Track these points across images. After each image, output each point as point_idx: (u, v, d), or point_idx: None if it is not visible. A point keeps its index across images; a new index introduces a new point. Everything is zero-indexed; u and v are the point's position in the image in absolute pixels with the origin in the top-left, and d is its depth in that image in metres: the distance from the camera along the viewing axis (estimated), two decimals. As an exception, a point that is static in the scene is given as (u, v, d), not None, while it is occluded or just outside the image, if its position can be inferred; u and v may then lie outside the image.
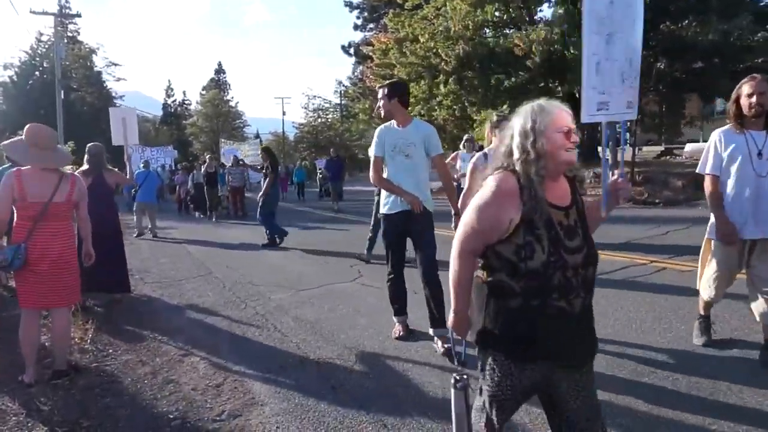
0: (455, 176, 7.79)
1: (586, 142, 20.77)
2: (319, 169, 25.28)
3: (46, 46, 42.91)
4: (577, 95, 19.99)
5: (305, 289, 6.00)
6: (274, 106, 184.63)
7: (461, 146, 9.38)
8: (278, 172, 10.31)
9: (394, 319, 4.32)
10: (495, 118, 4.00)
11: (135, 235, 11.44)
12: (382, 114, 4.15)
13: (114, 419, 3.09)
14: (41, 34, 43.66)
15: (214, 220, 14.90)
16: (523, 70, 17.02)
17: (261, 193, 9.67)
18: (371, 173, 4.14)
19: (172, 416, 3.09)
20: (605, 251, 7.14)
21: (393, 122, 4.08)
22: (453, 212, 4.02)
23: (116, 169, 6.63)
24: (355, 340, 4.25)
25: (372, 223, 7.42)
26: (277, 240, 9.51)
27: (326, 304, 5.36)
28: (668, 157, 20.38)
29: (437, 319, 3.89)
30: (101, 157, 6.08)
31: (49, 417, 3.12)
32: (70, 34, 49.39)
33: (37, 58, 44.40)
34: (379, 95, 4.14)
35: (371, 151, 4.14)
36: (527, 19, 19.08)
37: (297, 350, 4.10)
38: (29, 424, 3.05)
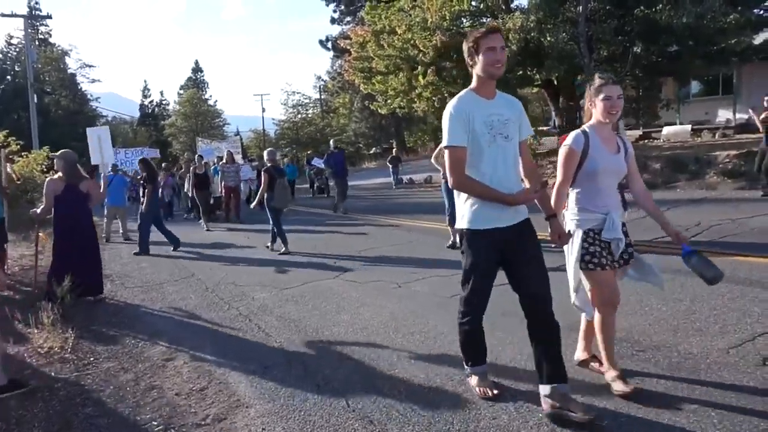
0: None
1: (566, 128, 20.97)
2: (311, 166, 24.16)
3: (17, 50, 41.98)
4: (555, 82, 20.25)
5: (288, 288, 5.96)
6: (253, 103, 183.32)
7: None
8: (156, 183, 10.12)
9: (469, 370, 3.06)
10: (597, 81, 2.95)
11: (104, 240, 11.26)
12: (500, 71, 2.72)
13: (96, 429, 3.04)
14: (11, 37, 42.86)
15: (205, 229, 12.52)
16: (501, 58, 17.07)
17: (143, 207, 9.53)
18: (449, 174, 2.80)
19: (155, 423, 3.05)
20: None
21: (471, 92, 2.80)
22: (546, 215, 2.82)
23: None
24: (340, 336, 4.24)
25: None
26: (173, 246, 9.47)
27: (310, 301, 5.33)
28: (646, 141, 20.57)
29: (555, 374, 2.70)
30: (74, 164, 6.01)
31: (29, 429, 3.06)
32: (41, 36, 48.41)
33: (8, 62, 43.41)
34: (497, 45, 2.68)
35: (446, 138, 2.77)
36: (503, 7, 19.10)
37: (281, 350, 4.07)
38: (8, 438, 2.99)
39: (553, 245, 2.87)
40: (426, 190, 19.67)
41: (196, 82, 61.78)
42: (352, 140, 48.07)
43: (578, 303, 3.06)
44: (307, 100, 52.43)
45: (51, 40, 49.85)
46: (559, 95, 20.84)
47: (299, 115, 50.46)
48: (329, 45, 47.84)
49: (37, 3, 47.98)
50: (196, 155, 15.70)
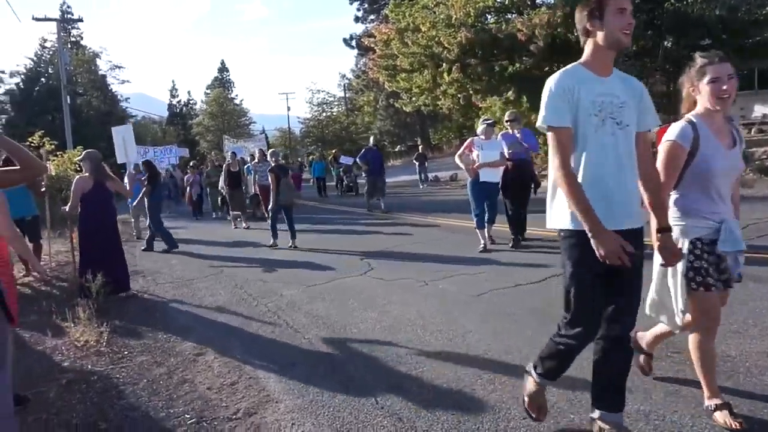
0: (469, 166, 7.09)
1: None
2: (338, 164, 23.04)
3: (51, 52, 43.14)
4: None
5: (315, 285, 6.00)
6: (278, 102, 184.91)
7: (478, 132, 7.49)
8: (157, 183, 10.18)
9: (536, 375, 2.56)
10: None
11: (135, 237, 11.53)
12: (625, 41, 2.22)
13: (131, 421, 3.12)
14: (45, 40, 43.88)
15: (244, 226, 12.33)
16: (527, 55, 16.84)
17: (146, 207, 9.79)
18: (556, 166, 2.22)
19: (188, 416, 3.11)
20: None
21: (579, 66, 2.30)
22: (658, 227, 2.34)
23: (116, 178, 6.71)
24: (367, 333, 4.25)
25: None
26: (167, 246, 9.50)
27: (337, 298, 5.36)
28: (678, 137, 20.11)
29: (615, 403, 2.39)
30: (99, 163, 6.16)
31: (68, 420, 3.15)
32: (73, 39, 49.59)
33: (42, 65, 44.62)
34: (627, 6, 2.20)
35: (544, 117, 2.24)
36: (528, 3, 18.86)
37: (310, 346, 4.11)
38: (50, 427, 3.08)
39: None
40: (452, 188, 19.57)
41: (222, 82, 62.64)
42: (376, 138, 48.11)
43: (681, 324, 2.64)
44: (332, 99, 52.69)
45: (82, 42, 51.09)
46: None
47: (324, 114, 50.72)
48: (353, 43, 47.96)
49: (68, 7, 49.22)
50: (230, 152, 14.65)
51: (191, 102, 65.39)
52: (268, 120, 69.42)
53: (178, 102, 64.80)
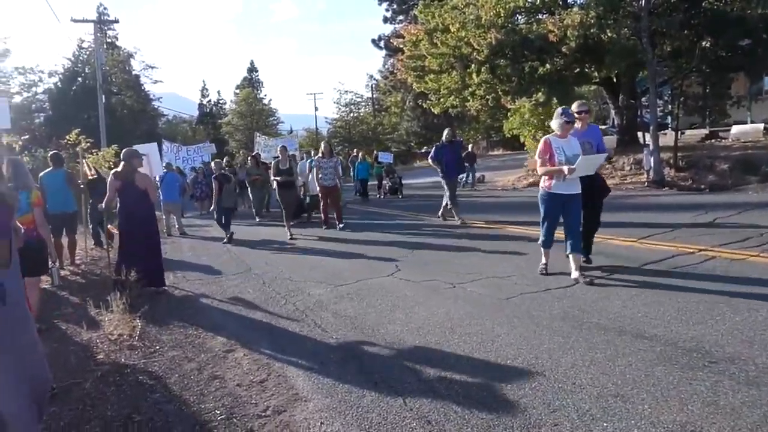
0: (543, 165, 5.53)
1: (626, 128, 20.20)
2: (379, 163, 21.80)
3: (87, 53, 44.36)
4: (614, 79, 19.56)
5: (343, 285, 6.02)
6: (306, 102, 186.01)
7: (554, 126, 5.58)
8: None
9: None
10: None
11: (166, 234, 11.76)
12: None
13: (163, 414, 3.18)
14: (82, 41, 45.12)
15: (289, 236, 10.13)
16: (558, 56, 16.60)
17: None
18: None
19: (218, 412, 3.15)
20: (651, 240, 6.93)
21: None
22: None
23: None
24: (395, 335, 4.24)
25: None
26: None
27: (365, 299, 5.37)
28: (713, 140, 19.53)
29: None
30: (131, 160, 6.30)
31: (103, 412, 3.23)
32: (108, 40, 50.92)
33: (79, 65, 45.91)
34: None
35: None
36: (560, 3, 18.59)
37: (338, 346, 4.12)
38: (85, 418, 3.16)
39: None
40: (482, 191, 19.42)
41: (251, 82, 63.55)
42: (403, 139, 48.14)
43: None
44: (360, 99, 52.92)
45: (117, 43, 52.44)
46: (619, 93, 20.10)
47: (351, 114, 50.95)
48: (381, 44, 48.09)
49: (105, 9, 50.59)
50: (279, 146, 12.28)
51: (221, 102, 66.60)
52: (295, 120, 69.97)
53: (209, 101, 66.03)
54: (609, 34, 15.13)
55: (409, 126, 47.09)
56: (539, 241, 5.86)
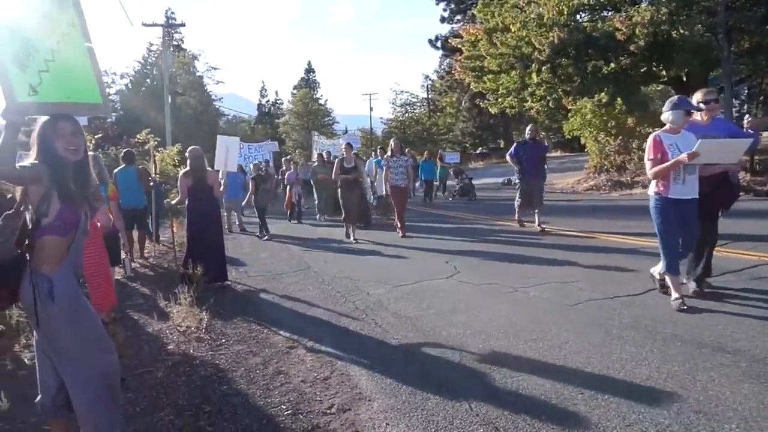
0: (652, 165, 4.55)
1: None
2: (446, 163, 20.96)
3: (156, 55, 46.49)
4: (684, 78, 18.63)
5: (401, 285, 6.00)
6: (361, 102, 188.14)
7: (665, 119, 4.59)
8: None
9: None
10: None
11: (227, 231, 12.09)
12: None
13: (232, 406, 3.25)
14: (151, 45, 47.36)
15: (353, 239, 9.77)
16: (624, 54, 15.99)
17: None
18: None
19: (284, 407, 3.19)
20: (730, 248, 6.53)
21: None
22: None
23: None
24: (457, 338, 4.17)
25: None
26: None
27: (424, 300, 5.32)
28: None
29: None
30: (201, 160, 6.51)
31: (175, 400, 3.34)
32: (175, 43, 53.14)
33: (148, 67, 48.20)
34: None
35: None
36: (626, 0, 17.89)
37: (399, 346, 4.10)
38: (159, 405, 3.28)
39: None
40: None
41: (308, 82, 64.74)
42: (458, 139, 47.73)
43: None
44: (415, 99, 52.86)
45: (183, 46, 54.67)
46: (689, 92, 19.12)
47: (406, 114, 50.97)
48: (438, 44, 47.84)
49: (173, 13, 52.91)
50: (344, 144, 11.65)
51: (278, 102, 68.18)
52: (350, 120, 70.77)
53: (267, 101, 67.76)
54: (681, 31, 14.43)
55: (465, 127, 46.64)
56: (660, 267, 4.77)
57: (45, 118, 2.37)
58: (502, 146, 29.18)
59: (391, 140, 10.87)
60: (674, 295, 4.52)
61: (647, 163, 4.67)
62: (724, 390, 2.94)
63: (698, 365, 3.30)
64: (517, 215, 10.14)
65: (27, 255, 2.31)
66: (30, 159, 2.31)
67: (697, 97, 4.84)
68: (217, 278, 6.42)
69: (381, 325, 4.62)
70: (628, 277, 5.62)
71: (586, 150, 22.41)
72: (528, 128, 10.07)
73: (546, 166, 10.24)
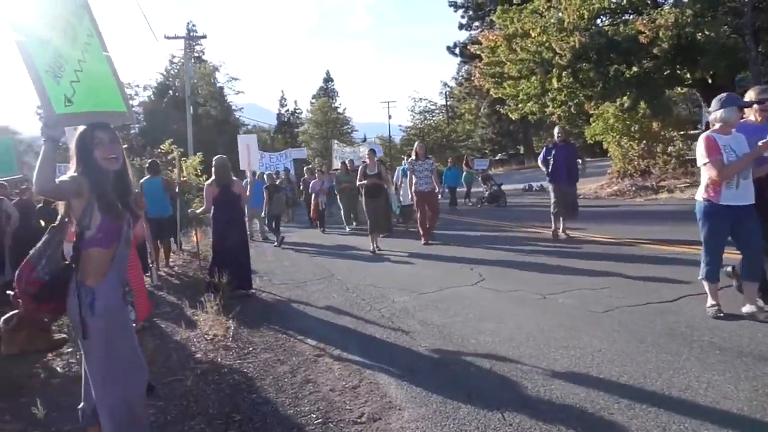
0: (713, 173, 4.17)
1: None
2: (473, 169, 20.56)
3: (178, 67, 47.36)
4: (710, 81, 18.28)
5: (426, 292, 5.95)
6: (379, 110, 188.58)
7: (713, 118, 4.33)
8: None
9: None
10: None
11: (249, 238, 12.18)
12: None
13: (262, 415, 3.24)
14: (173, 57, 48.26)
15: (373, 249, 9.30)
16: (647, 57, 15.74)
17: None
18: None
19: (314, 416, 3.17)
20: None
21: None
22: None
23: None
24: (486, 345, 4.11)
25: None
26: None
27: (451, 307, 5.26)
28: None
29: None
30: (227, 169, 6.58)
31: (205, 409, 3.34)
32: (196, 55, 54.03)
33: (170, 78, 49.12)
34: None
35: None
36: (648, 2, 17.65)
37: (427, 354, 4.06)
38: (189, 414, 3.28)
39: None
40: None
41: (327, 91, 65.23)
42: (477, 146, 47.57)
43: None
44: (434, 107, 52.82)
45: (204, 57, 55.58)
46: (715, 95, 18.73)
47: (425, 122, 50.96)
48: (457, 51, 47.84)
49: (194, 25, 53.90)
50: (368, 150, 11.44)
51: (297, 111, 68.75)
52: (369, 128, 71.01)
53: (286, 111, 68.36)
54: (706, 33, 14.18)
55: (484, 133, 46.46)
56: (700, 274, 4.43)
57: (82, 128, 2.39)
58: (521, 152, 29.05)
59: (416, 143, 10.58)
60: (710, 301, 4.35)
61: (705, 167, 4.25)
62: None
63: (740, 374, 3.19)
64: (553, 225, 9.26)
65: (74, 267, 2.32)
66: (70, 172, 2.34)
67: (749, 96, 4.49)
68: (242, 286, 6.46)
69: (408, 333, 4.57)
70: (659, 283, 5.48)
71: (608, 155, 22.07)
72: (555, 131, 9.64)
73: (580, 169, 9.67)
